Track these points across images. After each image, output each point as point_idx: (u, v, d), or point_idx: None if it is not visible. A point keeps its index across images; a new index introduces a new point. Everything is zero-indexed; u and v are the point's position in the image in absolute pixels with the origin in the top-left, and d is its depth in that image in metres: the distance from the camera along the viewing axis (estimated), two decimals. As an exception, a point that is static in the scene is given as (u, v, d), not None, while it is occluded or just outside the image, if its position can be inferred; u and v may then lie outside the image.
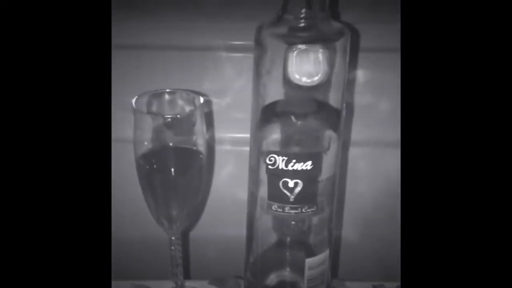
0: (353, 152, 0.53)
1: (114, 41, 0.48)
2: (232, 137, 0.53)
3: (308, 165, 0.38)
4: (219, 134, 0.53)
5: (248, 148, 0.42)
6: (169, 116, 0.38)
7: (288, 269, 0.45)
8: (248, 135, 0.42)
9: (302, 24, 0.36)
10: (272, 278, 0.45)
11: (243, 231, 0.45)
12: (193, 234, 0.55)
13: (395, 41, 0.41)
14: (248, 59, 0.41)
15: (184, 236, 0.53)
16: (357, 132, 0.52)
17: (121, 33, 0.48)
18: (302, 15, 0.36)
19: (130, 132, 0.40)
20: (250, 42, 0.38)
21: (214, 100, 0.53)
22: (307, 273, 0.42)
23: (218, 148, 0.53)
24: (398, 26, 0.32)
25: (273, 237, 0.44)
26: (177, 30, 0.52)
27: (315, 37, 0.36)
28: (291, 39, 0.36)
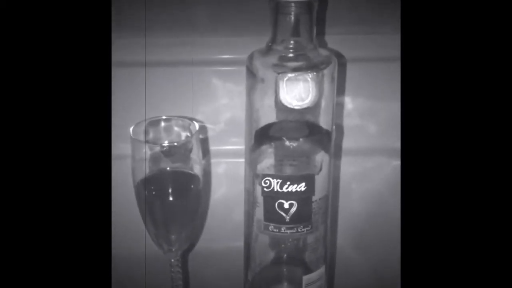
0: (344, 170, 0.54)
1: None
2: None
3: (302, 187, 0.39)
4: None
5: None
6: (166, 144, 0.40)
7: (285, 286, 0.46)
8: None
9: (291, 54, 0.38)
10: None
11: (240, 250, 0.46)
12: (192, 254, 0.56)
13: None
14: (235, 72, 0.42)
15: (183, 257, 0.54)
16: (347, 151, 0.54)
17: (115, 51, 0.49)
18: (291, 45, 0.38)
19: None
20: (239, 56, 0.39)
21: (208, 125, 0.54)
22: (304, 289, 0.44)
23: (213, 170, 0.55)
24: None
25: (270, 255, 0.45)
26: (169, 46, 0.53)
27: (304, 65, 0.38)
28: (281, 68, 0.37)
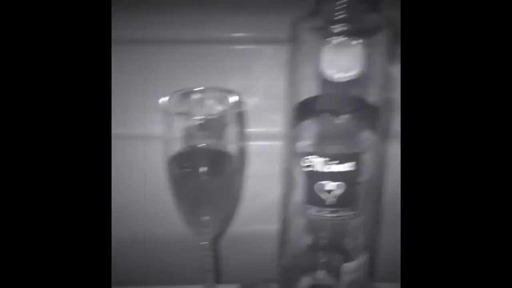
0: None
1: (127, 36, 0.47)
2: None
3: (346, 167, 0.36)
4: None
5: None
6: (201, 117, 0.37)
7: (322, 273, 0.44)
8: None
9: (338, 17, 0.34)
10: (306, 281, 0.43)
11: (275, 234, 0.43)
12: (224, 237, 0.54)
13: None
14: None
15: (215, 240, 0.52)
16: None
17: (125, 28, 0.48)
18: (339, 7, 0.34)
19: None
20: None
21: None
22: (343, 278, 0.41)
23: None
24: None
25: (307, 240, 0.42)
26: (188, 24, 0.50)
27: (352, 30, 0.34)
28: (327, 33, 0.34)
